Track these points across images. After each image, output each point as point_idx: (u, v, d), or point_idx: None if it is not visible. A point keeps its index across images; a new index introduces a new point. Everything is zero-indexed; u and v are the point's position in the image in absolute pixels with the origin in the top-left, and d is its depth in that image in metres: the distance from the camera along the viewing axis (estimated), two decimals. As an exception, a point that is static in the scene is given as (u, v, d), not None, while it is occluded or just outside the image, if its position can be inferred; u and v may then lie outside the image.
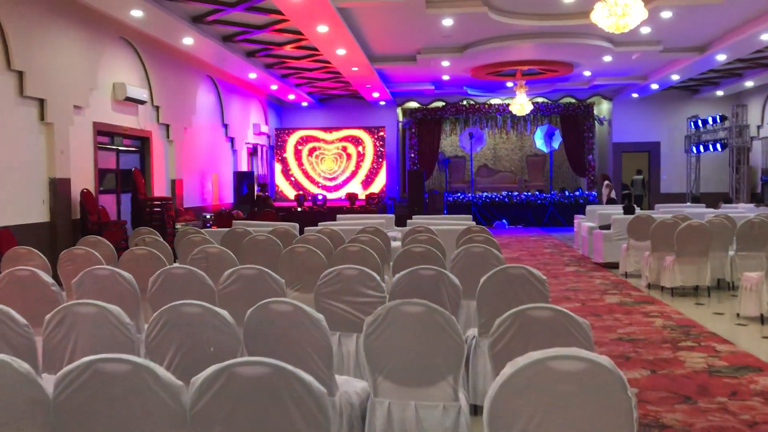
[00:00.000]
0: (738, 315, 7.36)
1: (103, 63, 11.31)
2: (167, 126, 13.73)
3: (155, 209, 11.49)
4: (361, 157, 20.84)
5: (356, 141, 20.91)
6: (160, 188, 13.40)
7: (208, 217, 14.40)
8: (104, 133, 11.57)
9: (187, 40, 12.12)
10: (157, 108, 13.29)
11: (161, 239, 7.19)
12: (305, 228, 9.45)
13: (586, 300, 8.55)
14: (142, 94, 12.37)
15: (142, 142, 13.00)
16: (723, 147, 18.68)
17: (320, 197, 18.05)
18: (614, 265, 11.03)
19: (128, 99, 11.86)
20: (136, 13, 10.22)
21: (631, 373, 5.35)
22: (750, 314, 7.16)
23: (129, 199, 11.93)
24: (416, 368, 3.21)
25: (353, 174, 20.90)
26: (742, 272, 8.73)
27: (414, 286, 4.31)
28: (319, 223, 10.39)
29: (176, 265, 4.59)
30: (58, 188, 9.89)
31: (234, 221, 10.94)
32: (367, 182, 20.74)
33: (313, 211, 16.49)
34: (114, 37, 11.67)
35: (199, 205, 15.35)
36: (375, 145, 20.81)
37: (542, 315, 3.07)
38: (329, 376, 3.21)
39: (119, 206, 12.22)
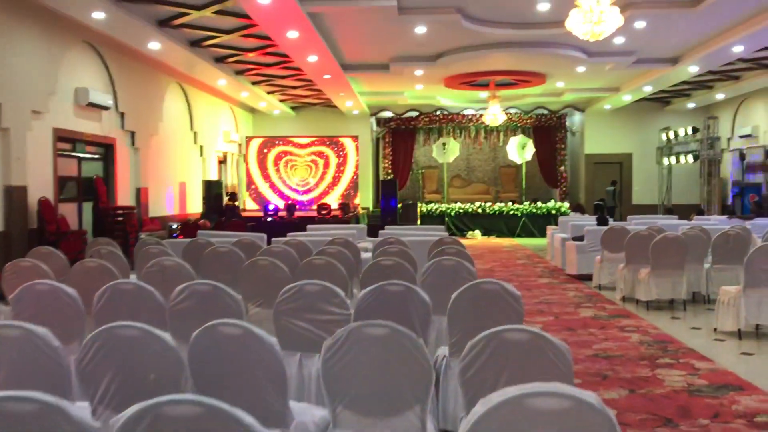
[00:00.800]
0: (715, 330, 7.17)
1: (64, 67, 10.88)
2: (132, 133, 13.31)
3: (117, 219, 11.06)
4: (334, 166, 20.54)
5: (329, 150, 20.60)
6: (124, 197, 12.96)
7: (174, 227, 13.95)
8: (65, 140, 11.12)
9: (153, 45, 11.72)
10: (122, 114, 12.87)
11: (117, 250, 6.80)
12: (273, 239, 9.11)
13: (560, 313, 8.32)
14: (106, 99, 11.96)
15: (106, 149, 12.56)
16: (695, 159, 18.71)
17: (290, 207, 17.66)
18: (588, 277, 10.84)
19: (91, 104, 11.44)
20: (98, 15, 9.82)
21: (609, 392, 5.09)
22: (727, 329, 6.97)
23: (91, 208, 11.47)
24: (380, 397, 2.90)
25: (327, 184, 20.58)
26: (717, 285, 8.59)
27: (380, 304, 4.01)
28: (288, 234, 10.04)
29: (123, 280, 4.23)
30: (14, 196, 9.44)
31: (199, 231, 10.55)
32: (340, 192, 20.44)
33: (284, 221, 16.10)
34: (77, 41, 11.25)
35: (166, 214, 14.90)
36: (348, 155, 20.51)
37: (518, 338, 2.79)
38: (283, 405, 2.89)
39: (81, 215, 11.74)
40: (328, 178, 20.56)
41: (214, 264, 6.53)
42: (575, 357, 6.13)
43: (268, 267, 5.47)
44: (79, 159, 11.72)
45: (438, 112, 21.73)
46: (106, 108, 12.02)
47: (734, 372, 5.60)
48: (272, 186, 20.56)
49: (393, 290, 4.03)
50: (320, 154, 20.58)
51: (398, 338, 2.82)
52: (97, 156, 12.35)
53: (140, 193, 13.54)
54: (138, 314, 4.15)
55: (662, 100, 20.72)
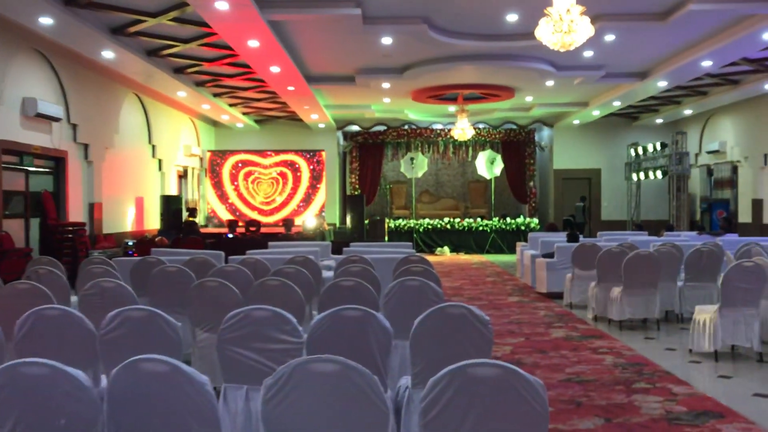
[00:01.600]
0: (690, 351, 6.94)
1: (10, 75, 10.38)
2: (86, 145, 12.80)
3: (66, 235, 10.52)
4: (299, 181, 20.19)
5: (294, 165, 20.27)
6: (76, 213, 12.42)
7: (130, 244, 13.42)
8: (11, 152, 10.60)
9: (107, 54, 11.27)
10: (74, 126, 12.37)
11: (58, 270, 6.33)
12: (231, 257, 8.70)
13: (531, 334, 8.03)
14: (57, 110, 11.46)
15: (56, 163, 12.04)
16: (663, 174, 18.74)
17: (252, 223, 17.22)
18: (558, 295, 10.61)
19: (40, 115, 10.94)
20: (46, 21, 9.36)
21: (583, 422, 4.79)
22: (703, 350, 6.74)
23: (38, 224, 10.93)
24: (329, 443, 2.55)
25: (290, 198, 20.20)
26: (691, 304, 8.46)
27: (336, 331, 3.66)
28: (247, 252, 9.63)
29: (49, 305, 3.82)
30: (-49, 212, 8.89)
31: (153, 249, 10.06)
32: (305, 208, 20.07)
33: (245, 238, 15.64)
34: (25, 48, 10.77)
35: (122, 231, 14.36)
36: (314, 169, 20.17)
37: (486, 373, 2.46)
38: (216, 454, 2.52)
39: (27, 233, 11.20)
40: (290, 192, 20.18)
41: (161, 285, 6.11)
42: (548, 382, 5.83)
43: (218, 289, 5.09)
44: (27, 172, 11.19)
45: (406, 126, 21.52)
46: (56, 119, 11.53)
47: (713, 397, 5.35)
48: (242, 200, 20.09)
49: (350, 316, 3.68)
50: (285, 169, 20.19)
51: (350, 376, 2.48)
52: (47, 170, 11.82)
53: (94, 209, 13.01)
54: (64, 344, 3.76)
55: (630, 115, 20.78)
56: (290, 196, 20.19)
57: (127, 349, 3.66)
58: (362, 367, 2.47)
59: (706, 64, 12.63)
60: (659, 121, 20.62)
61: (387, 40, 11.62)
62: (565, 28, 6.89)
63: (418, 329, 3.73)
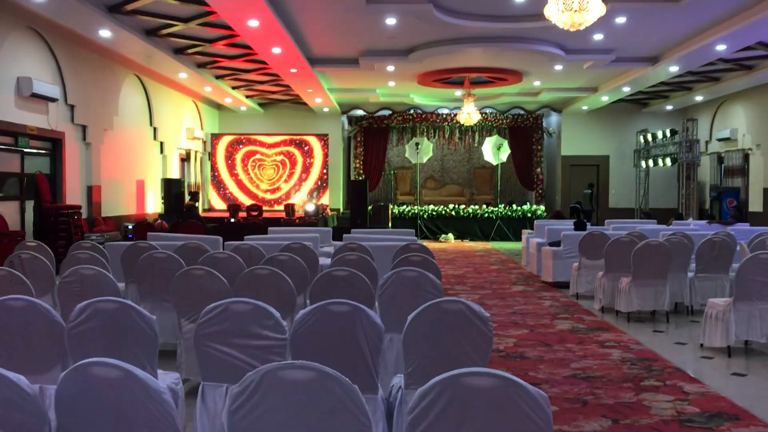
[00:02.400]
0: (702, 346, 6.62)
1: (4, 54, 10.08)
2: (84, 127, 12.51)
3: (61, 218, 10.25)
4: (303, 166, 19.88)
5: (298, 149, 19.91)
6: (74, 195, 12.15)
7: (130, 227, 13.16)
8: (5, 133, 10.32)
9: (104, 33, 10.94)
10: (71, 107, 12.08)
11: (42, 256, 6.04)
12: (227, 243, 8.41)
13: (535, 326, 7.73)
14: (53, 90, 11.16)
15: (53, 144, 11.75)
16: (672, 162, 18.32)
17: (254, 207, 16.94)
18: (564, 285, 10.30)
19: (35, 95, 10.64)
20: (39, -2, 9.04)
21: (590, 423, 4.49)
22: (715, 345, 6.42)
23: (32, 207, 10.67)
24: (304, 459, 2.24)
25: (294, 184, 19.91)
26: (701, 296, 8.15)
27: (322, 327, 3.35)
28: (246, 237, 9.33)
29: (15, 296, 3.52)
30: (-59, 194, 8.63)
31: (151, 233, 9.77)
32: (308, 193, 19.78)
33: (247, 223, 15.37)
34: (20, 27, 10.45)
35: (122, 214, 14.10)
36: (318, 154, 19.84)
37: (482, 384, 2.15)
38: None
39: (23, 215, 10.93)
40: (296, 178, 19.88)
41: (149, 272, 5.83)
42: (552, 378, 5.53)
43: (204, 277, 4.80)
44: (23, 154, 10.91)
45: (411, 111, 21.17)
46: (53, 100, 11.23)
47: (727, 397, 5.04)
48: (240, 185, 19.82)
49: (337, 311, 3.37)
50: (289, 154, 19.88)
51: (327, 385, 2.17)
52: (43, 151, 11.54)
53: (92, 192, 12.73)
54: (31, 338, 3.47)
55: (640, 101, 20.35)
56: (294, 182, 19.88)
57: (98, 344, 3.39)
58: (341, 376, 2.16)
59: (720, 48, 12.20)
60: (669, 107, 20.17)
61: (391, 21, 11.24)
62: (575, 6, 6.51)
63: (412, 326, 3.42)
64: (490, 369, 2.16)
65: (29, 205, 10.96)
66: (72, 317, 3.43)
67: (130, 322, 3.40)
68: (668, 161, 18.42)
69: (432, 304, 3.45)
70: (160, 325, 5.81)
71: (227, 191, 19.74)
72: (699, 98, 18.48)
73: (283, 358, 3.42)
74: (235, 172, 19.88)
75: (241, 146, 19.92)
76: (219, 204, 19.58)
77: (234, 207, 17.21)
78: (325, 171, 19.94)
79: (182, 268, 5.62)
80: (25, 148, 10.91)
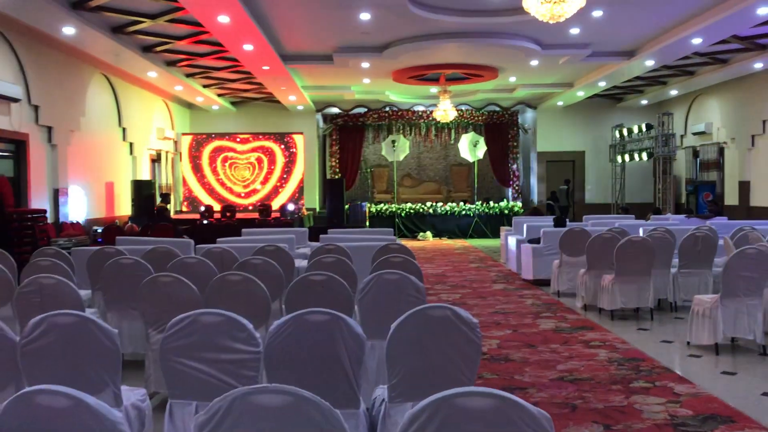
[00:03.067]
0: (689, 344, 6.49)
1: (-38, 53, 9.65)
2: (49, 128, 12.09)
3: (25, 224, 9.85)
4: (276, 165, 19.53)
5: (272, 148, 19.57)
6: (40, 199, 11.74)
7: (99, 231, 12.76)
8: (-35, 135, 9.89)
9: (68, 30, 10.54)
10: (35, 107, 11.64)
11: (0, 264, 5.71)
12: (199, 246, 8.12)
13: (518, 325, 7.55)
14: (15, 90, 10.74)
15: (16, 146, 11.32)
16: (648, 156, 18.31)
17: (227, 208, 16.58)
18: (545, 283, 10.16)
19: (-4, 96, 10.21)
20: (-3, -7, 8.65)
21: (580, 429, 4.30)
22: (703, 343, 6.29)
23: (-5, 212, 10.23)
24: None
25: (268, 183, 19.55)
26: (685, 292, 8.05)
27: (299, 339, 3.11)
28: (218, 240, 9.05)
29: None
30: None
31: (120, 237, 9.43)
32: (283, 192, 19.46)
33: (220, 225, 15.03)
34: (-22, 24, 10.02)
35: (91, 218, 13.68)
36: (292, 153, 19.53)
37: (479, 405, 1.93)
38: None
39: (-15, 220, 10.49)
40: (268, 176, 19.53)
41: (115, 279, 5.53)
42: (538, 382, 5.35)
43: (172, 285, 4.52)
44: (-17, 157, 10.49)
45: (387, 109, 20.97)
46: (15, 100, 10.81)
47: (719, 397, 4.89)
48: (207, 186, 19.40)
49: (315, 320, 3.13)
50: (263, 152, 19.52)
51: (304, 410, 1.93)
52: (5, 153, 11.11)
53: (58, 195, 12.31)
54: (-21, 356, 3.18)
55: (615, 96, 20.34)
56: (268, 181, 19.53)
57: (54, 361, 3.12)
58: (319, 400, 1.92)
59: (696, 41, 12.14)
60: (644, 102, 20.20)
61: (365, 16, 11.00)
62: (555, -3, 6.33)
63: (396, 335, 3.20)
64: (486, 388, 1.94)
65: (-8, 210, 10.53)
66: (25, 333, 3.15)
67: (90, 336, 3.13)
68: (644, 156, 18.41)
69: (417, 311, 3.23)
70: (128, 334, 5.60)
71: (192, 194, 19.29)
72: (674, 92, 18.50)
73: (257, 372, 3.17)
74: (206, 173, 19.42)
75: (213, 146, 19.48)
76: (191, 205, 19.17)
77: (207, 209, 16.82)
78: (299, 169, 19.60)
79: (150, 274, 5.35)
80: (-13, 150, 10.49)
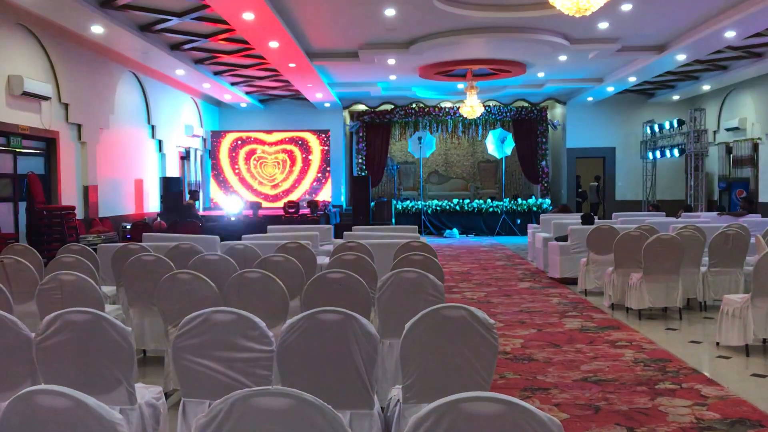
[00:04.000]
0: (718, 344, 6.33)
1: (-7, 52, 9.80)
2: (78, 126, 12.23)
3: (55, 220, 9.99)
4: (305, 162, 19.59)
5: (300, 145, 19.63)
6: (70, 196, 11.88)
7: (128, 227, 12.93)
8: (-3, 133, 10.05)
9: (96, 29, 10.66)
10: (65, 105, 11.78)
11: (26, 260, 5.77)
12: (224, 243, 8.17)
13: (543, 325, 7.44)
14: (45, 88, 10.88)
15: (47, 144, 11.47)
16: (680, 153, 17.96)
17: (253, 205, 16.64)
18: (572, 281, 10.01)
19: (27, 94, 10.35)
20: (26, -7, 8.75)
21: (603, 432, 4.20)
22: (732, 344, 6.13)
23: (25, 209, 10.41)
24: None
25: (296, 181, 19.62)
26: (715, 291, 7.87)
27: (312, 338, 3.07)
28: (243, 237, 9.08)
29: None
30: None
31: (146, 234, 9.51)
32: (310, 189, 19.52)
33: (246, 222, 15.10)
34: (10, 24, 10.16)
35: (120, 214, 13.84)
36: (320, 150, 19.55)
37: (486, 410, 1.87)
38: None
39: (17, 217, 10.67)
40: (296, 174, 19.59)
41: (137, 276, 5.56)
42: (561, 383, 5.25)
43: (191, 282, 4.52)
44: (15, 154, 10.64)
45: (414, 105, 20.85)
46: (45, 98, 10.95)
47: (747, 400, 4.75)
48: (243, 182, 19.56)
49: (327, 319, 3.09)
50: (290, 150, 19.59)
51: (306, 414, 1.89)
52: (36, 151, 11.26)
53: (88, 192, 12.47)
54: (-3, 353, 3.20)
55: (646, 92, 19.99)
56: (296, 179, 19.60)
57: (68, 359, 3.12)
58: (323, 404, 1.87)
59: (729, 35, 11.84)
60: (676, 97, 19.80)
61: (390, 12, 10.93)
62: (581, -10, 6.20)
63: (410, 335, 3.14)
64: (493, 393, 1.87)
65: (22, 207, 10.70)
66: (40, 330, 3.16)
67: (103, 334, 3.13)
68: (675, 152, 18.07)
69: (431, 311, 3.17)
70: (150, 331, 5.63)
71: (230, 187, 19.48)
72: (706, 87, 18.11)
73: (270, 371, 3.14)
74: (237, 169, 19.58)
75: (242, 143, 19.62)
76: (222, 201, 19.31)
77: (254, 205, 16.83)
78: (327, 167, 19.64)
79: (170, 271, 5.37)
80: (18, 148, 10.64)
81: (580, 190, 20.27)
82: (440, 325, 3.14)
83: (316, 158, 19.53)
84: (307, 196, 18.18)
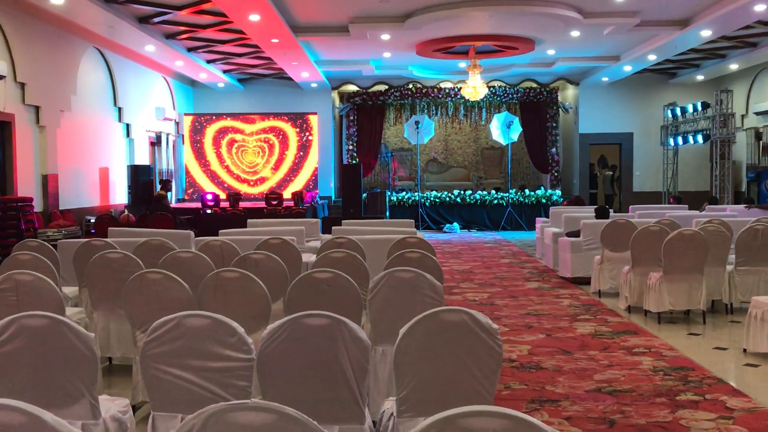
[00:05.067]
0: (745, 351, 6.36)
1: (-60, 25, 9.73)
2: (36, 108, 12.18)
3: (9, 213, 9.95)
4: (288, 148, 19.53)
5: (283, 130, 19.58)
6: (27, 186, 11.83)
7: (92, 221, 12.90)
8: (-57, 116, 9.99)
9: (55, 0, 10.59)
10: (21, 85, 11.72)
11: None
12: (199, 239, 8.14)
13: (553, 329, 7.47)
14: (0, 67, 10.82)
15: (1, 128, 11.41)
16: (704, 139, 18.01)
17: (233, 196, 16.63)
18: (585, 281, 10.05)
19: (-22, 72, 10.30)
20: (-23, -41, 8.69)
21: (618, 448, 4.22)
22: (761, 350, 6.16)
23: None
24: None
25: (278, 168, 19.56)
26: (742, 292, 7.91)
27: (295, 346, 3.07)
28: (220, 232, 9.08)
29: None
30: None
31: (112, 228, 9.49)
32: (295, 179, 19.47)
33: (224, 215, 15.09)
34: (-42, -6, 10.10)
35: (84, 206, 13.80)
36: (305, 135, 19.52)
37: (489, 426, 1.87)
38: None
39: (-33, 209, 10.62)
40: (279, 161, 19.54)
41: (101, 276, 5.55)
42: (572, 392, 5.27)
43: (161, 282, 4.52)
44: (-35, 139, 10.60)
45: (410, 86, 20.84)
46: (-1, 77, 10.90)
47: (778, 413, 4.78)
48: (212, 172, 19.47)
49: (313, 324, 3.09)
50: (273, 134, 19.53)
51: (289, 430, 1.88)
52: (-11, 136, 11.22)
53: (48, 181, 12.42)
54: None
55: (667, 71, 20.04)
56: (279, 166, 19.55)
57: (24, 368, 3.12)
58: (306, 419, 1.87)
59: (759, 8, 11.86)
60: (700, 77, 19.84)
61: (384, -18, 10.92)
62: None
63: (405, 341, 3.15)
64: (496, 407, 1.87)
65: (-25, 197, 10.66)
66: (-8, 336, 3.14)
67: (63, 341, 3.12)
68: (699, 138, 18.10)
69: (429, 315, 3.18)
70: (117, 337, 5.63)
71: (195, 182, 19.39)
72: (734, 67, 18.15)
73: (249, 382, 3.14)
74: (209, 159, 19.48)
75: (217, 127, 19.52)
76: (194, 194, 19.25)
77: (213, 196, 16.82)
78: (313, 154, 19.60)
79: (139, 270, 5.36)
80: (-31, 132, 10.60)
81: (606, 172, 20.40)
82: (438, 331, 3.15)
83: (296, 145, 19.47)
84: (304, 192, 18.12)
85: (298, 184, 19.27)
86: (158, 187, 16.01)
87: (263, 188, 19.26)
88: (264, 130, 19.55)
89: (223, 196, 17.69)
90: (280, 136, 19.53)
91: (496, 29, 14.34)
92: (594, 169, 20.68)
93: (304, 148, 19.51)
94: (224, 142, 19.49)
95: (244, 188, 19.15)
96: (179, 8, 12.29)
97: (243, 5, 11.24)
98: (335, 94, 21.31)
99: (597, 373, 5.82)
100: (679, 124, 19.29)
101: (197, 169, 19.46)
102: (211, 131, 19.51)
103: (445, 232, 18.93)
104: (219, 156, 19.51)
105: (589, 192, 20.47)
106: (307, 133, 19.52)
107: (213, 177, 19.46)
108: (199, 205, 16.72)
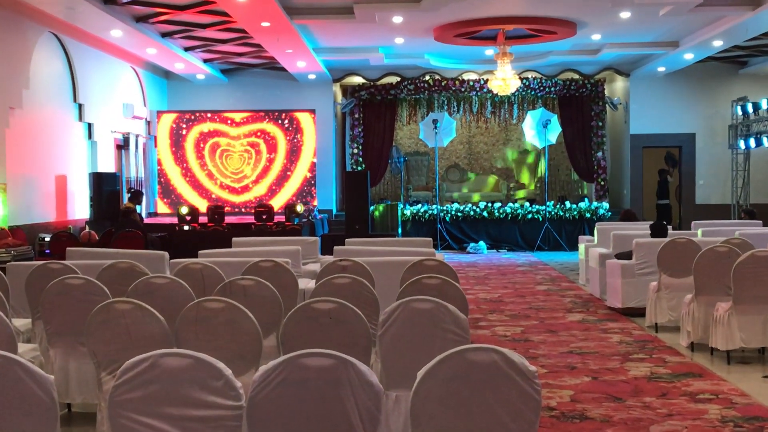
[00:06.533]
0: (833, 398, 6.36)
1: None
2: (-19, 105, 12.35)
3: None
4: (279, 152, 19.66)
5: (274, 130, 19.71)
6: (-30, 197, 11.98)
7: (47, 239, 13.02)
8: None
9: (6, -24, 10.78)
10: (-37, 78, 11.90)
11: None
12: (174, 261, 8.25)
13: (600, 371, 7.51)
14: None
15: (-60, 129, 11.57)
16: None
17: (214, 210, 16.75)
18: (639, 312, 10.09)
19: None
20: None
21: None
22: None
23: None
24: None
25: (268, 176, 19.68)
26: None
27: (292, 391, 3.13)
28: (200, 253, 9.17)
29: None
30: None
31: (71, 249, 9.60)
32: (280, 190, 19.54)
33: (205, 232, 15.21)
34: None
35: (36, 221, 13.93)
36: (298, 138, 19.62)
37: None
38: None
39: None
40: (269, 167, 19.68)
41: (61, 305, 5.64)
42: (624, 449, 5.27)
43: (132, 314, 4.57)
44: None
45: (427, 77, 20.96)
46: (-62, 68, 11.06)
47: None
48: (192, 181, 19.62)
49: (315, 365, 3.14)
50: (262, 137, 19.67)
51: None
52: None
53: (-6, 192, 12.57)
54: None
55: (737, 60, 20.13)
56: (267, 174, 19.66)
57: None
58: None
59: None
60: (776, 67, 19.95)
61: (396, -46, 11.05)
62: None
63: (424, 386, 3.18)
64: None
65: None
66: (-68, 379, 3.18)
67: (15, 383, 3.18)
68: (776, 140, 18.17)
69: (452, 354, 3.22)
70: (77, 378, 5.71)
71: (175, 192, 19.55)
72: (817, 54, 18.24)
73: (238, 434, 3.18)
74: (190, 164, 19.65)
75: (193, 125, 19.69)
76: (164, 208, 19.44)
77: (191, 211, 16.94)
78: (309, 159, 19.73)
79: (105, 299, 5.42)
80: None
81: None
82: (464, 373, 3.19)
83: (287, 149, 19.64)
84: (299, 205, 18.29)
85: (285, 195, 19.36)
86: (126, 198, 16.13)
87: (249, 196, 19.41)
88: (251, 132, 19.70)
89: (203, 209, 17.80)
90: (270, 139, 19.66)
91: (531, 10, 14.51)
92: (664, 171, 20.70)
93: (296, 152, 19.60)
94: (207, 146, 19.65)
95: (225, 195, 19.35)
96: (152, -14, 12.47)
97: (228, -18, 11.40)
98: (337, 88, 21.46)
99: (654, 423, 5.85)
100: (751, 123, 19.33)
101: (177, 176, 19.64)
102: (192, 134, 19.69)
103: (469, 253, 19.00)
104: (200, 161, 19.66)
105: (657, 203, 20.45)
106: (298, 135, 19.60)
107: (195, 184, 19.62)
108: (175, 220, 16.83)
